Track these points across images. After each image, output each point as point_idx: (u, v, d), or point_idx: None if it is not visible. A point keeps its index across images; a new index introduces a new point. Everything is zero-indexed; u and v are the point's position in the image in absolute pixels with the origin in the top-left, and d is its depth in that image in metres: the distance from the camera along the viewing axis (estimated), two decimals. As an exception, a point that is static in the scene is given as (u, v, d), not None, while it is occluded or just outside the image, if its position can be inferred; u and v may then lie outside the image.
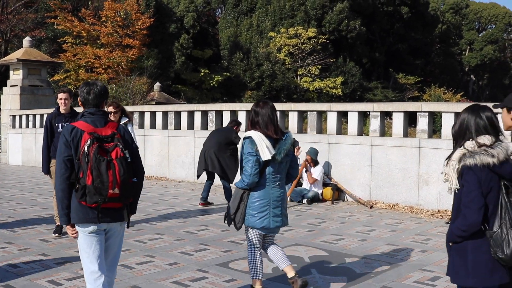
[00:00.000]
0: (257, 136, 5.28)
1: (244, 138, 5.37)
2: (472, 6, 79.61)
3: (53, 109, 8.62)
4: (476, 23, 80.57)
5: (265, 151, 5.21)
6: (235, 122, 11.50)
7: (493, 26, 79.13)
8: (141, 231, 8.68)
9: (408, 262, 7.05)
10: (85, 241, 4.37)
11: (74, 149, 4.24)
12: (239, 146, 6.06)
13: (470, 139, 3.72)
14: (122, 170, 4.16)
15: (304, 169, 11.90)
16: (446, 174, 3.82)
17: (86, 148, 4.14)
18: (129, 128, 9.11)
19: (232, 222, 5.44)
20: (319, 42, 46.20)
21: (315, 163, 11.97)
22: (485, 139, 3.68)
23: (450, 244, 3.80)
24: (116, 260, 4.65)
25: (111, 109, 8.98)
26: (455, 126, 3.89)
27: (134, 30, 33.87)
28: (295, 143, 12.86)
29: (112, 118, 8.95)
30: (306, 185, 12.01)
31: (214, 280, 6.15)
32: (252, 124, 5.41)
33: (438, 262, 7.02)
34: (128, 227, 4.62)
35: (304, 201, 11.69)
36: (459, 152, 3.73)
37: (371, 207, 11.17)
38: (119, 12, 33.65)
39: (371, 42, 55.68)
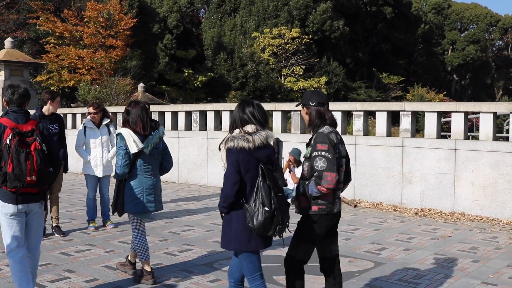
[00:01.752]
0: (126, 132, 5.96)
1: (116, 135, 6.07)
2: (454, 6, 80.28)
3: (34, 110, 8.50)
4: (458, 23, 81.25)
5: (133, 145, 5.91)
6: None
7: (475, 26, 79.87)
8: (124, 232, 8.65)
9: (392, 260, 7.08)
10: (6, 223, 4.98)
11: None
12: None
13: (238, 128, 4.43)
14: (39, 160, 4.84)
15: (288, 170, 11.92)
16: (222, 154, 4.48)
17: (8, 141, 4.79)
18: (111, 129, 9.08)
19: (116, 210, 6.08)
20: (303, 42, 46.31)
21: (298, 163, 11.98)
22: (249, 128, 4.41)
23: (222, 215, 4.52)
24: (39, 238, 5.30)
25: (91, 109, 8.87)
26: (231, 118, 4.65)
27: (117, 30, 33.73)
28: (279, 143, 12.88)
29: (93, 120, 8.88)
30: (290, 185, 12.02)
31: (198, 280, 6.14)
32: (124, 122, 6.08)
33: (421, 261, 7.06)
34: (45, 210, 5.36)
35: (289, 200, 11.67)
36: (226, 137, 4.44)
37: (355, 206, 11.21)
38: (102, 13, 33.49)
39: (354, 42, 55.91)
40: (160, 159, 6.18)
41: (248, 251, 4.47)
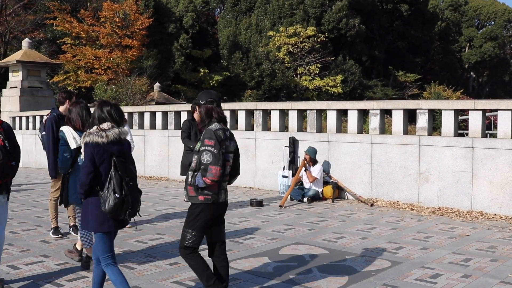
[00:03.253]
0: (67, 129, 6.60)
1: (59, 132, 6.77)
2: (471, 3, 79.51)
3: (49, 110, 8.56)
4: (476, 20, 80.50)
5: (72, 142, 6.53)
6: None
7: (493, 23, 79.04)
8: (141, 231, 8.68)
9: (409, 259, 7.04)
10: None
11: None
12: None
13: (96, 125, 5.04)
14: (1, 155, 5.40)
15: (303, 168, 11.90)
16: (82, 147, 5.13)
17: None
18: (126, 128, 9.11)
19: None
20: (319, 40, 46.15)
21: (314, 162, 11.97)
22: (105, 125, 5.03)
23: (82, 199, 5.13)
24: (2, 225, 5.81)
25: None
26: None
27: (133, 30, 33.85)
28: (294, 142, 12.91)
29: None
30: (306, 184, 12.01)
31: (215, 280, 6.14)
32: (66, 121, 6.65)
33: (439, 260, 7.01)
34: (8, 199, 5.81)
35: (305, 199, 11.69)
36: (85, 133, 5.06)
37: (372, 205, 11.16)
38: (118, 13, 33.63)
39: (370, 40, 55.63)
40: None
41: (102, 232, 5.05)
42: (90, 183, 4.97)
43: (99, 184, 4.98)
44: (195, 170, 4.98)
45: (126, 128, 9.06)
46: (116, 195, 4.88)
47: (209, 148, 4.88)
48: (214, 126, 5.01)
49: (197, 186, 4.93)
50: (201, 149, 4.94)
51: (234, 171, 5.23)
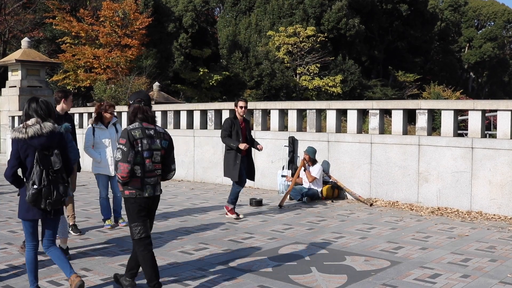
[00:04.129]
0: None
1: None
2: (471, 3, 79.51)
3: None
4: (475, 21, 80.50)
5: None
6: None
7: (492, 23, 79.04)
8: (141, 231, 8.67)
9: (408, 259, 7.04)
10: None
11: None
12: None
13: (23, 121, 5.37)
14: None
15: (303, 168, 11.90)
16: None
17: None
18: (118, 128, 9.21)
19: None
20: (318, 40, 46.14)
21: (313, 162, 11.97)
22: (30, 121, 5.33)
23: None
24: None
25: (112, 109, 9.06)
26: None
27: (133, 29, 33.82)
28: (294, 142, 12.90)
29: (109, 119, 9.03)
30: (305, 183, 12.01)
31: (214, 279, 6.14)
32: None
33: (438, 260, 7.01)
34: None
35: (304, 199, 11.68)
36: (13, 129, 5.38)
37: (371, 204, 11.16)
38: (118, 12, 33.60)
39: (370, 40, 55.60)
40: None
41: (27, 220, 5.46)
42: (13, 176, 5.39)
43: (27, 176, 5.38)
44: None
45: (119, 127, 9.19)
46: (35, 186, 5.25)
47: (121, 146, 5.34)
48: (132, 125, 5.46)
49: (119, 182, 5.45)
50: (117, 147, 5.46)
51: (167, 168, 5.65)
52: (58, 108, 8.27)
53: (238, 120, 9.80)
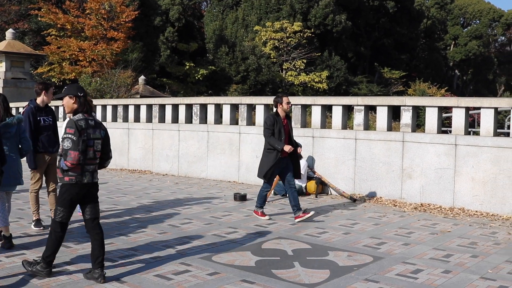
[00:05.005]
0: None
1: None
2: (457, 1, 79.94)
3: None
4: (461, 19, 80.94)
5: None
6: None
7: (478, 21, 79.52)
8: (124, 225, 8.65)
9: (391, 255, 7.08)
10: None
11: None
12: None
13: None
14: None
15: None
16: None
17: None
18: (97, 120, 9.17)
19: None
20: (305, 36, 46.19)
21: (299, 157, 11.97)
22: None
23: None
24: None
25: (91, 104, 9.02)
26: None
27: (119, 22, 33.61)
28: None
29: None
30: (290, 178, 12.01)
31: (197, 273, 6.14)
32: None
33: (420, 255, 7.05)
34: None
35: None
36: None
37: (355, 200, 11.20)
38: (104, 5, 33.36)
39: (356, 37, 55.77)
40: (17, 142, 7.33)
41: None
42: None
43: None
44: (61, 155, 5.71)
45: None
46: None
47: (69, 135, 5.66)
48: (77, 116, 5.81)
49: (62, 168, 5.71)
50: (63, 137, 5.71)
51: (105, 155, 6.06)
52: (39, 100, 8.20)
53: (280, 117, 9.15)
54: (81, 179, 5.77)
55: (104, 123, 16.99)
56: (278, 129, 9.06)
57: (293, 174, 9.30)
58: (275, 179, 11.74)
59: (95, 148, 5.85)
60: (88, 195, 5.93)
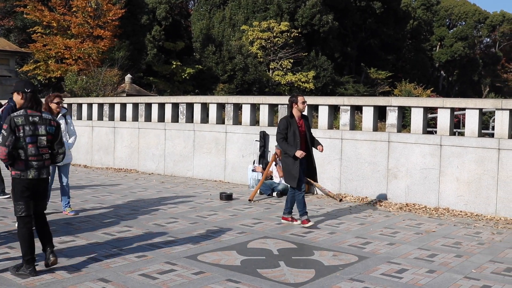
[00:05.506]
0: None
1: None
2: (443, 2, 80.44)
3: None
4: (447, 20, 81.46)
5: None
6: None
7: (463, 23, 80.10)
8: (109, 223, 8.61)
9: (376, 254, 7.11)
10: None
11: None
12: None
13: None
14: None
15: (274, 163, 11.92)
16: None
17: None
18: (68, 119, 9.29)
19: None
20: (292, 36, 46.26)
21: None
22: None
23: None
24: None
25: (57, 100, 9.01)
26: None
27: (105, 21, 33.47)
28: (265, 136, 12.91)
29: (58, 110, 9.03)
30: (276, 178, 12.04)
31: (182, 273, 6.13)
32: None
33: (405, 255, 7.09)
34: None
35: (274, 194, 11.71)
36: None
37: (341, 200, 11.23)
38: (90, 3, 33.20)
39: (343, 37, 55.92)
40: None
41: None
42: None
43: None
44: None
45: (68, 119, 9.15)
46: None
47: (3, 131, 5.75)
48: (17, 113, 5.87)
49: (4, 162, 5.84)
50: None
51: (55, 151, 6.10)
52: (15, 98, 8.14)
53: (294, 118, 8.72)
54: (25, 174, 5.83)
55: (90, 122, 16.97)
56: (292, 132, 8.65)
57: (308, 175, 9.14)
58: (261, 179, 11.77)
59: (38, 144, 5.88)
60: (36, 191, 5.98)
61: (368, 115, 11.74)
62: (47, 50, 32.47)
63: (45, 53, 32.58)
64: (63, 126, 9.05)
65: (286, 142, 8.66)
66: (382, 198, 11.18)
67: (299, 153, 8.53)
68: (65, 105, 9.42)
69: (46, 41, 32.55)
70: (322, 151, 9.17)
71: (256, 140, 13.07)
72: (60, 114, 9.07)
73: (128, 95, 28.55)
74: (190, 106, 15.09)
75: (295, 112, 8.78)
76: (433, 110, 25.14)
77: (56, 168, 9.19)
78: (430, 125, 28.17)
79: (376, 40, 59.45)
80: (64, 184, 9.24)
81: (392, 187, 11.08)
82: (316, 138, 9.33)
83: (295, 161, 8.64)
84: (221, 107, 14.53)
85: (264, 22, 46.42)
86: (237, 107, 14.31)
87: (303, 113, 9.06)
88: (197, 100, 15.00)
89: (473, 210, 10.09)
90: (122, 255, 6.80)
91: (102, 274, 5.99)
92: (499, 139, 9.99)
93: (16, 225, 6.05)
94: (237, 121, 14.12)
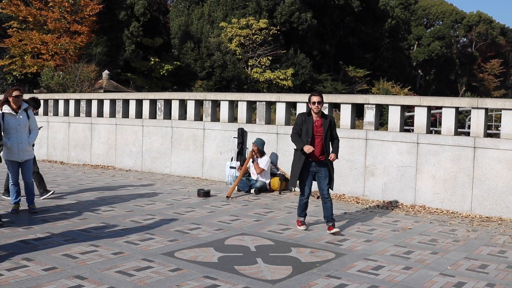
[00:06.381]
0: None
1: None
2: (420, 2, 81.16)
3: None
4: (424, 19, 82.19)
5: None
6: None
7: (441, 22, 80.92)
8: (86, 220, 8.54)
9: (353, 251, 7.14)
10: None
11: None
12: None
13: None
14: None
15: (251, 160, 11.92)
16: None
17: None
18: (29, 114, 9.18)
19: None
20: (270, 33, 46.30)
21: (262, 153, 12.00)
22: None
23: None
24: None
25: (17, 93, 8.81)
26: None
27: (83, 16, 33.19)
28: (243, 133, 12.90)
29: (16, 104, 8.82)
30: (253, 175, 12.04)
31: (159, 270, 6.10)
32: None
33: (381, 252, 7.13)
34: None
35: (252, 191, 11.71)
36: None
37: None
38: (67, -3, 32.91)
39: (322, 35, 56.10)
40: None
41: None
42: None
43: None
44: None
45: (30, 113, 9.05)
46: None
47: None
48: None
49: None
50: None
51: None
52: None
53: (311, 116, 8.21)
54: None
55: (66, 118, 16.80)
56: (305, 129, 8.18)
57: (327, 182, 8.31)
58: (238, 175, 11.75)
59: None
60: None
61: (346, 113, 11.79)
62: (23, 45, 32.10)
63: (21, 48, 32.20)
64: (24, 121, 8.91)
65: (297, 137, 8.24)
66: (359, 195, 11.23)
67: (306, 148, 8.02)
68: (21, 100, 9.12)
69: (22, 36, 32.17)
70: (333, 160, 8.22)
71: (234, 137, 13.06)
72: (21, 109, 8.93)
73: (105, 91, 28.34)
74: (168, 102, 15.01)
75: (312, 111, 8.26)
76: (411, 108, 25.34)
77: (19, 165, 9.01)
78: (407, 123, 28.40)
79: (355, 38, 59.77)
80: (29, 181, 9.05)
81: (369, 185, 11.14)
82: (339, 146, 8.51)
83: (299, 158, 8.20)
84: (199, 103, 14.48)
85: (243, 19, 46.40)
86: (215, 104, 14.27)
87: (325, 112, 8.57)
88: (175, 96, 14.93)
89: (449, 207, 10.19)
90: (98, 251, 6.75)
91: (78, 271, 5.94)
92: (474, 137, 10.10)
93: None
94: (215, 117, 14.09)
